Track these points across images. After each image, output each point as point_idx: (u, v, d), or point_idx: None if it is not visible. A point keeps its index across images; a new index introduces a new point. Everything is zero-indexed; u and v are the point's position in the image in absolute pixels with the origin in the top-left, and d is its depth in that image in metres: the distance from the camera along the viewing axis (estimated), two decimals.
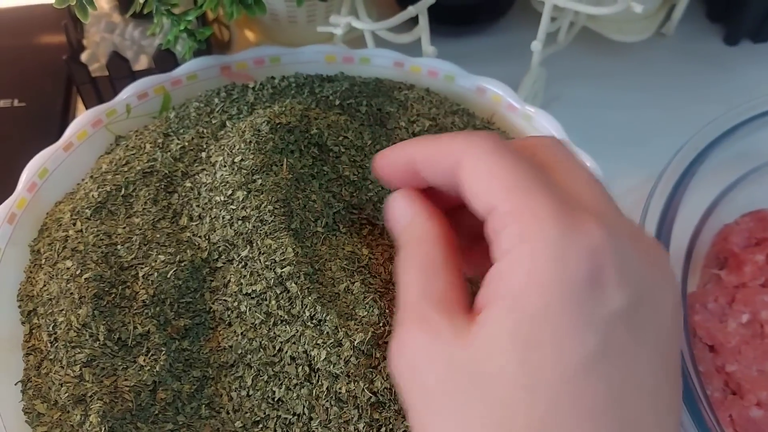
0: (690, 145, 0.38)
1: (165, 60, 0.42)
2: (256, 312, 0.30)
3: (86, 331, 0.29)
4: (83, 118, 0.36)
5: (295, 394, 0.28)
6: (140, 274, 0.31)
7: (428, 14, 0.41)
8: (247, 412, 0.29)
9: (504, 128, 0.39)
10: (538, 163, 0.23)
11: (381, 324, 0.28)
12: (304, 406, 0.28)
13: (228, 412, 0.29)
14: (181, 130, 0.35)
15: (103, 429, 0.27)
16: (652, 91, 0.51)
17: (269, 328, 0.29)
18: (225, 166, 0.32)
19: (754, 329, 0.35)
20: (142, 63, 0.44)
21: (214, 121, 0.35)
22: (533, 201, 0.21)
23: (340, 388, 0.27)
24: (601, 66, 0.52)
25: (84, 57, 0.44)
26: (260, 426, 0.29)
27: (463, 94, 0.40)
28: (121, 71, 0.42)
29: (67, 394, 0.28)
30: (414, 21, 0.41)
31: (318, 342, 0.28)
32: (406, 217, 0.25)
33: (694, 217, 0.38)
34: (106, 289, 0.30)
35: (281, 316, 0.29)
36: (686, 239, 0.37)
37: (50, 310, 0.30)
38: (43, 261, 0.32)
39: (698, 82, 0.52)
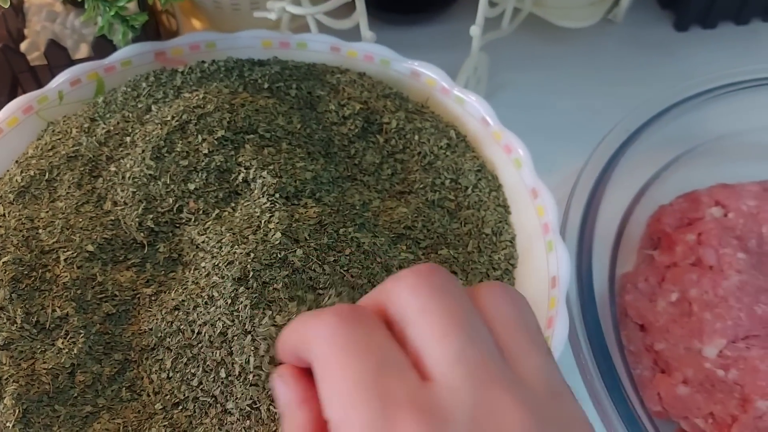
0: (620, 127, 0.38)
1: (103, 48, 0.42)
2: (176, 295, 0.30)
3: (3, 314, 0.29)
4: (13, 104, 0.36)
5: (212, 377, 0.28)
6: (62, 258, 0.31)
7: (376, 2, 0.41)
8: (167, 394, 0.29)
9: (438, 112, 0.39)
10: (391, 322, 0.21)
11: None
12: (220, 389, 0.28)
13: (149, 395, 0.29)
14: (107, 115, 0.35)
15: (17, 411, 0.27)
16: (600, 78, 0.51)
17: (187, 312, 0.29)
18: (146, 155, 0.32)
19: (683, 308, 0.35)
20: (82, 52, 0.44)
21: (140, 105, 0.35)
22: (353, 412, 0.19)
23: (252, 371, 0.27)
24: (549, 53, 0.52)
25: (24, 46, 0.43)
26: (180, 407, 0.29)
27: (399, 78, 0.40)
28: (59, 60, 0.42)
29: None
30: (354, 6, 0.41)
31: (234, 326, 0.28)
32: (283, 402, 0.23)
33: (626, 199, 0.38)
34: (26, 272, 0.30)
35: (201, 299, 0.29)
36: (617, 220, 0.37)
37: None
38: None
39: (647, 67, 0.52)
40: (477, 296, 0.22)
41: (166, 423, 0.29)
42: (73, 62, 0.42)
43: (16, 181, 0.33)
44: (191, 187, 0.32)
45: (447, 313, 0.20)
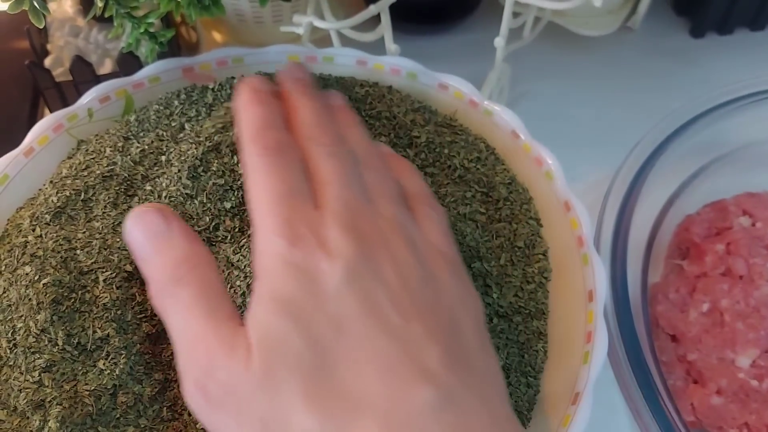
0: (649, 138, 0.38)
1: (129, 63, 0.42)
2: None
3: (45, 336, 0.29)
4: (44, 123, 0.36)
5: None
6: (100, 279, 0.31)
7: (395, 13, 0.41)
8: None
9: (466, 124, 0.39)
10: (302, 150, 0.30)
11: None
12: None
13: (190, 414, 0.29)
14: (141, 134, 0.35)
15: None
16: (619, 85, 0.51)
17: None
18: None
19: (714, 318, 0.35)
20: (107, 67, 0.44)
21: (173, 124, 0.35)
22: (265, 218, 0.27)
23: None
24: (568, 62, 0.53)
25: (48, 62, 0.44)
26: None
27: (426, 91, 0.40)
28: (84, 75, 0.42)
29: (26, 400, 0.28)
30: (379, 19, 0.41)
31: None
32: (163, 235, 0.28)
33: (655, 209, 0.38)
34: (65, 294, 0.30)
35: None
36: (647, 230, 0.38)
37: (9, 317, 0.30)
38: (3, 267, 0.32)
39: (665, 75, 0.52)
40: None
41: None
42: (98, 78, 0.42)
43: (52, 201, 0.33)
44: (227, 205, 0.32)
45: (337, 168, 0.28)
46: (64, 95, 0.43)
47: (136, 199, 0.33)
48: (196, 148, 0.33)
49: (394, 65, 0.40)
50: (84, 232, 0.32)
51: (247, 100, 0.31)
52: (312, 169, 0.28)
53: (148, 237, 0.28)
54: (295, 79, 0.33)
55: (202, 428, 0.29)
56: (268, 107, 0.30)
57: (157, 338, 0.31)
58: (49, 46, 0.45)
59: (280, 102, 0.32)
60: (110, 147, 0.35)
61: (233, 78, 0.38)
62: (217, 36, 0.50)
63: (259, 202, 0.27)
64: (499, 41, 0.43)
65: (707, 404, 0.34)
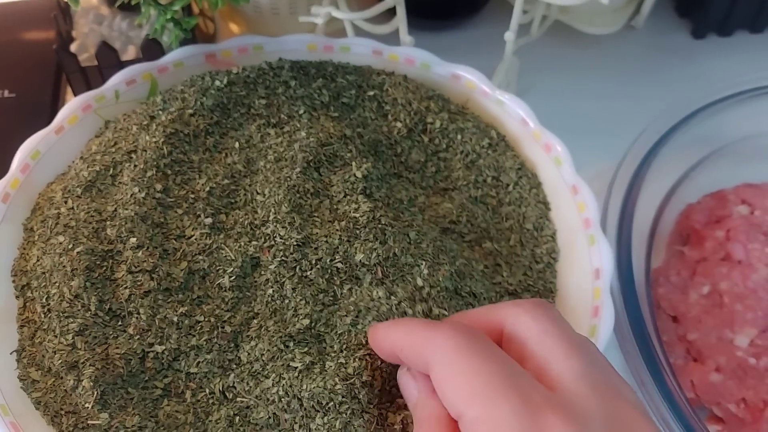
0: (651, 130, 0.40)
1: (152, 50, 0.43)
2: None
3: (78, 302, 0.30)
4: (74, 103, 0.38)
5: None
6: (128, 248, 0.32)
7: (408, 8, 0.43)
8: None
9: (478, 113, 0.41)
10: (507, 341, 0.24)
11: None
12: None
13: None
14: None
15: (95, 393, 0.29)
16: (621, 82, 0.53)
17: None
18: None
19: (714, 299, 0.37)
20: (129, 53, 0.45)
21: None
22: (494, 408, 0.21)
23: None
24: (573, 58, 0.54)
25: (73, 47, 0.45)
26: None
27: (439, 81, 0.41)
28: (109, 60, 0.43)
29: (60, 361, 0.30)
30: (393, 12, 0.43)
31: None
32: (413, 395, 0.25)
33: (657, 198, 0.40)
34: (97, 262, 0.31)
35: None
36: (650, 218, 0.39)
37: (43, 283, 0.32)
38: (36, 237, 0.33)
39: (666, 72, 0.54)
40: None
41: (231, 406, 0.30)
42: (122, 63, 0.43)
43: (83, 175, 0.34)
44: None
45: (568, 337, 0.23)
46: (88, 79, 0.44)
47: None
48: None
49: (409, 56, 0.42)
50: (113, 205, 0.33)
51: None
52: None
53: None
54: None
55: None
56: None
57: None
58: (74, 33, 0.46)
59: None
60: (137, 125, 0.36)
61: (257, 67, 0.39)
62: (234, 27, 0.52)
63: (466, 388, 0.22)
64: (509, 35, 0.44)
65: (706, 381, 0.35)
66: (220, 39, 0.52)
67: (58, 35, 0.45)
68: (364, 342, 0.29)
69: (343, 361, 0.29)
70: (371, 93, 0.39)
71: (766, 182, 0.41)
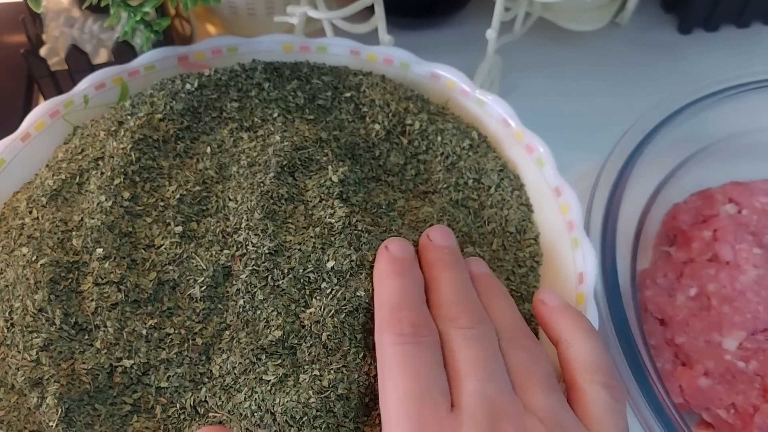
0: (636, 128, 0.39)
1: (124, 53, 0.42)
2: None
3: (42, 315, 0.29)
4: (40, 109, 0.36)
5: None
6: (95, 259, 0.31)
7: (387, 6, 0.42)
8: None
9: (458, 113, 0.40)
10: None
11: None
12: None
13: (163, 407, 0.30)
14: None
15: (59, 411, 0.28)
16: (607, 80, 0.52)
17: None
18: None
19: (701, 302, 0.36)
20: (101, 56, 0.44)
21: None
22: (392, 417, 0.26)
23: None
24: (558, 56, 0.53)
25: (43, 51, 0.44)
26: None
27: (418, 81, 0.40)
28: (80, 64, 0.42)
29: (23, 378, 0.28)
30: (372, 11, 0.42)
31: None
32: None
33: (642, 197, 0.39)
34: (63, 274, 0.30)
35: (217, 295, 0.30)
36: (635, 218, 0.38)
37: (6, 297, 0.30)
38: (0, 249, 0.32)
39: (652, 69, 0.53)
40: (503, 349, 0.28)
41: (203, 421, 0.29)
42: (93, 67, 0.42)
43: (48, 184, 0.33)
44: None
45: (477, 355, 0.26)
46: (58, 84, 0.43)
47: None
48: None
49: (387, 55, 0.41)
50: (79, 215, 0.32)
51: (387, 270, 0.29)
52: (449, 357, 0.26)
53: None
54: (438, 247, 0.31)
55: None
56: (407, 279, 0.29)
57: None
58: (44, 37, 0.45)
59: (419, 272, 0.30)
60: (104, 131, 0.35)
61: (230, 69, 0.38)
62: (211, 28, 0.51)
63: (388, 402, 0.26)
64: (490, 33, 0.43)
65: (695, 386, 0.34)
66: (197, 40, 0.51)
67: (27, 39, 0.43)
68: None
69: (318, 374, 0.28)
70: (348, 94, 0.38)
71: (753, 180, 0.40)
